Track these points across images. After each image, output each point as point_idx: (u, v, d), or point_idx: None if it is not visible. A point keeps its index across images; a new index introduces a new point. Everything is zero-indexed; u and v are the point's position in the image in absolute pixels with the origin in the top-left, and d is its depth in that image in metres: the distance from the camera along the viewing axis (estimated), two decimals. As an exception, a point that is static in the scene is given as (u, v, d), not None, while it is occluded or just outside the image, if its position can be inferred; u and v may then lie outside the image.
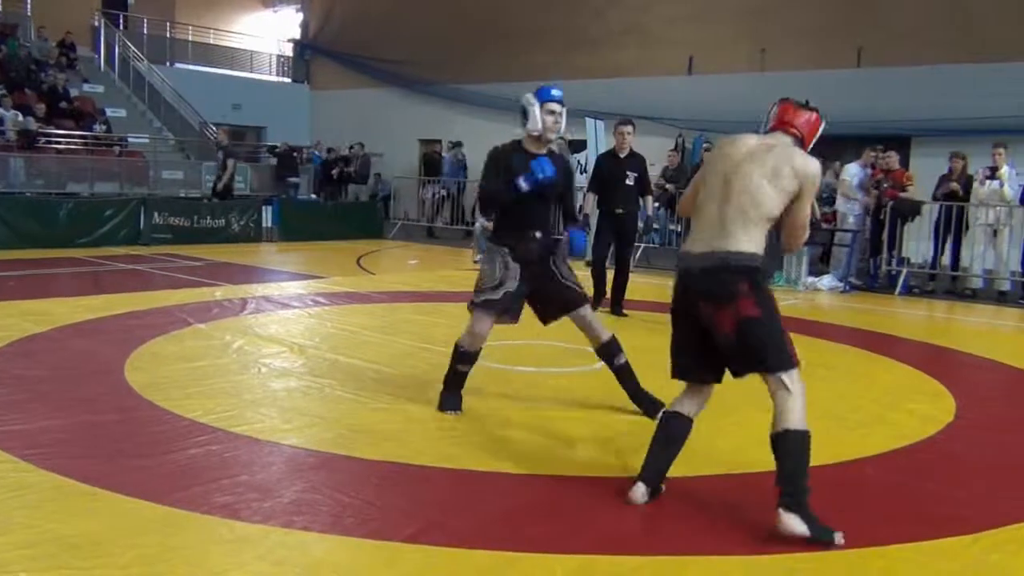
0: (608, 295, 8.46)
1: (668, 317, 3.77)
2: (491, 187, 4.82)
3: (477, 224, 13.24)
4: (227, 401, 4.90)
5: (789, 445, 3.38)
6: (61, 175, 15.55)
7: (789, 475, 3.33)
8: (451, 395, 4.94)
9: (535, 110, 4.72)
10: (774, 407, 3.45)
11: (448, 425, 4.65)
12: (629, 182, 8.28)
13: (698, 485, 3.91)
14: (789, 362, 3.44)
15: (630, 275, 8.72)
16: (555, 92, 4.76)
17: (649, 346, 5.21)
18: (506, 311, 4.82)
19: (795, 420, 3.39)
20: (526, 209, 4.79)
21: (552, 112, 4.72)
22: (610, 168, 8.40)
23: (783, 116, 3.70)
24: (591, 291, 8.01)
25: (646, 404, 4.90)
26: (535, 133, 4.77)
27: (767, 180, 3.47)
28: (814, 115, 3.72)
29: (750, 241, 3.46)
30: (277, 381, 5.48)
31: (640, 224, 8.74)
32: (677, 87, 17.83)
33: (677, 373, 3.75)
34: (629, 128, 8.46)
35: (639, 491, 3.60)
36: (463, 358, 4.87)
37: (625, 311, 8.38)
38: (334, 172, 18.86)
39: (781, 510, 3.28)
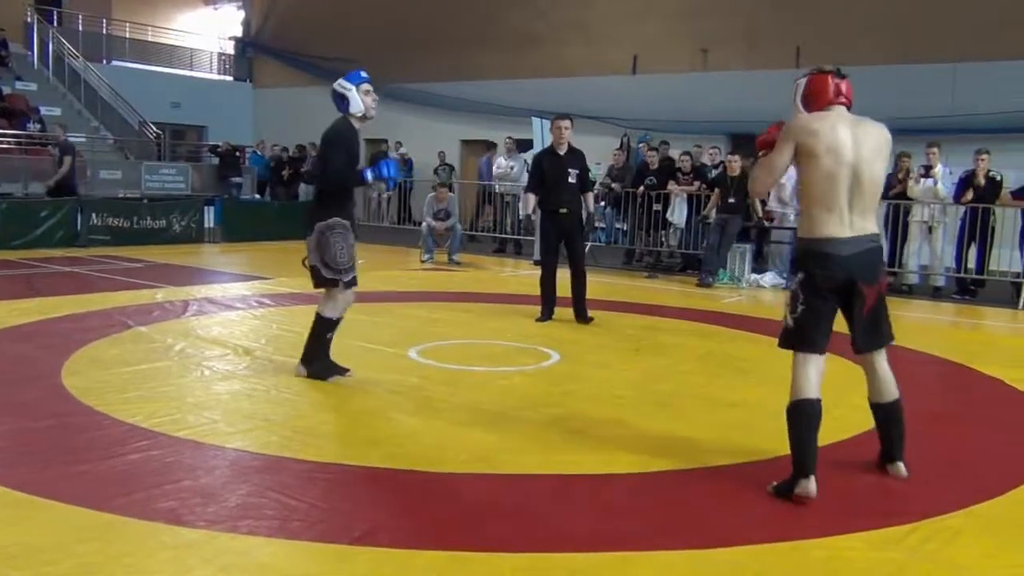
0: (556, 302, 8.04)
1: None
2: (341, 168, 5.32)
3: (424, 224, 13.22)
4: (169, 405, 4.81)
5: (901, 412, 4.07)
6: (-2, 175, 15.13)
7: (903, 435, 4.09)
8: (329, 362, 5.48)
9: (353, 94, 5.29)
10: (880, 379, 4.06)
11: (395, 425, 4.63)
12: (571, 179, 7.86)
13: (647, 481, 3.95)
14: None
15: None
16: (364, 74, 5.40)
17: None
18: None
19: (897, 388, 4.07)
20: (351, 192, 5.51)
21: (368, 92, 5.34)
22: (550, 165, 7.92)
23: (841, 89, 3.93)
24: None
25: None
26: (359, 114, 5.32)
27: (882, 164, 3.89)
28: (846, 80, 3.99)
29: (876, 223, 3.96)
30: (221, 384, 5.40)
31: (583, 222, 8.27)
32: (622, 86, 17.98)
33: (821, 349, 3.93)
34: (567, 123, 7.99)
35: (814, 486, 3.72)
36: (331, 326, 5.47)
37: (590, 314, 7.96)
38: (284, 173, 18.55)
39: (902, 464, 4.06)
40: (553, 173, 7.89)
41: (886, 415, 4.11)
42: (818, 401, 3.86)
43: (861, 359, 4.07)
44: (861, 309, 3.84)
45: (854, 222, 3.79)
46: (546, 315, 7.99)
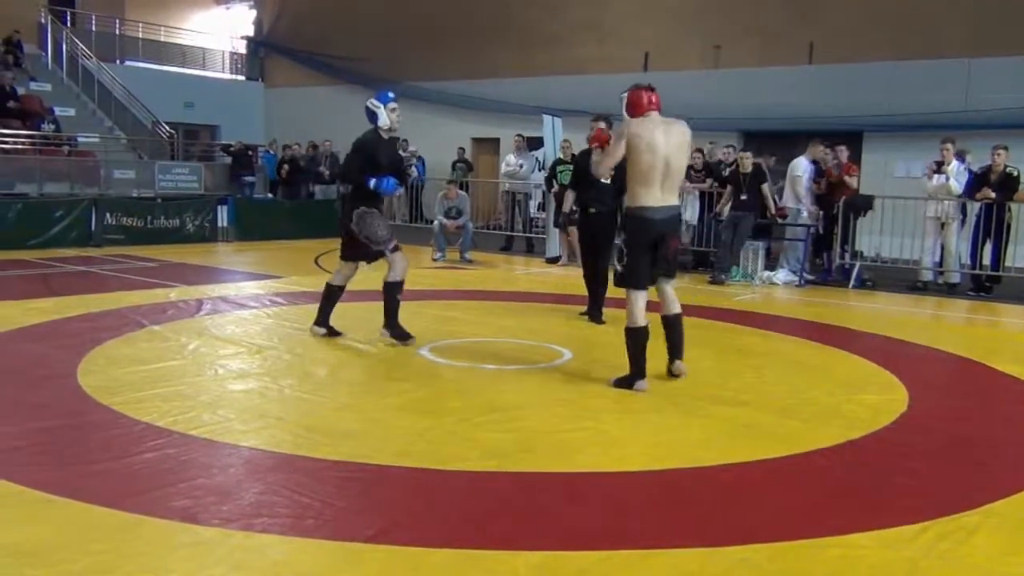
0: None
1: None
2: (354, 173, 6.47)
3: (436, 222, 13.22)
4: (183, 403, 4.84)
5: (680, 322, 5.65)
6: (9, 176, 15.17)
7: (681, 340, 5.67)
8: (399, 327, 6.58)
9: (382, 111, 6.41)
10: (669, 297, 5.65)
11: (408, 424, 4.64)
12: (604, 180, 7.58)
13: (659, 479, 3.95)
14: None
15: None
16: (391, 95, 6.50)
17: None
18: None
19: (678, 305, 5.68)
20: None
21: (394, 110, 6.45)
22: (586, 166, 7.86)
23: (652, 100, 5.47)
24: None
25: None
26: (385, 127, 6.44)
27: (684, 155, 5.49)
28: (655, 92, 5.54)
29: (676, 196, 5.61)
30: (234, 382, 5.43)
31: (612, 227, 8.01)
32: (633, 83, 17.92)
33: (645, 284, 5.46)
34: (601, 124, 7.86)
35: (646, 383, 5.35)
36: (398, 288, 6.59)
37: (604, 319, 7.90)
38: (282, 171, 18.52)
39: (680, 362, 5.65)
40: (585, 173, 7.89)
41: (670, 323, 5.67)
42: (647, 327, 5.38)
43: (657, 286, 5.61)
44: (665, 252, 5.45)
45: (664, 197, 5.40)
46: (593, 315, 8.00)
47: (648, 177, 5.31)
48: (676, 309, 5.66)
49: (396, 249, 6.57)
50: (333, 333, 6.78)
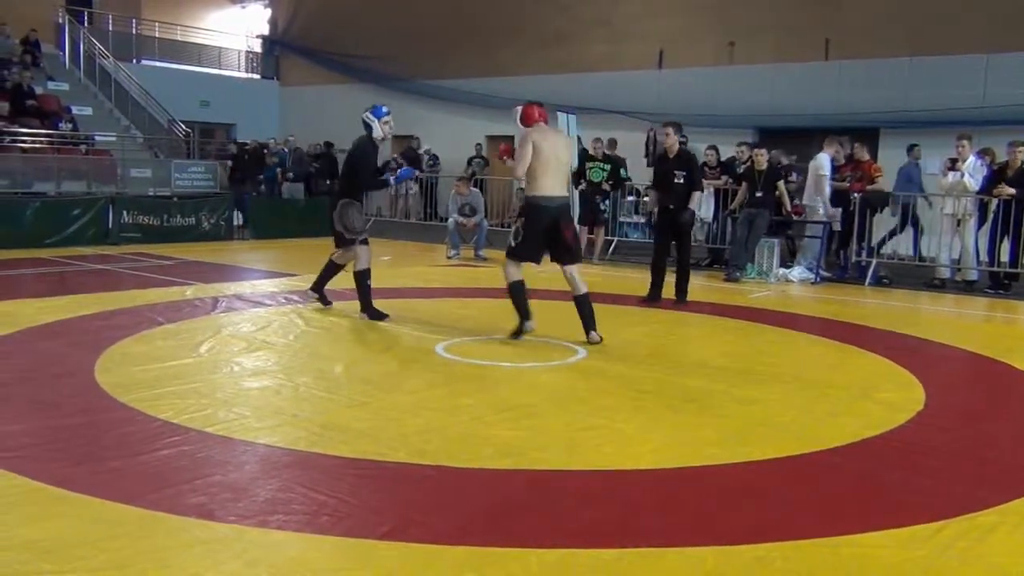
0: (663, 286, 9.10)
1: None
2: (368, 175, 7.59)
3: (451, 220, 13.24)
4: (199, 401, 4.86)
5: (588, 301, 6.78)
6: (27, 174, 15.29)
7: (591, 315, 6.77)
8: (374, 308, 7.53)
9: (376, 124, 7.46)
10: (576, 280, 6.70)
11: (423, 422, 4.65)
12: (678, 180, 8.95)
13: (674, 477, 3.94)
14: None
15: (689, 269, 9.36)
16: (385, 109, 7.59)
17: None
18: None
19: (584, 286, 6.80)
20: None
21: (387, 123, 7.52)
22: (660, 167, 9.37)
23: (543, 113, 6.84)
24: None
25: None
26: (378, 139, 7.52)
27: (568, 155, 6.91)
28: (543, 107, 6.95)
29: (565, 189, 6.79)
30: (250, 380, 5.45)
31: (688, 218, 9.14)
32: (648, 81, 17.90)
33: (530, 259, 6.74)
34: (668, 129, 9.21)
35: (533, 323, 6.77)
36: (367, 275, 7.57)
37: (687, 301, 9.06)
38: (278, 170, 18.54)
39: (594, 332, 6.72)
40: (661, 174, 9.24)
41: (579, 302, 6.76)
42: (520, 281, 6.73)
43: (562, 269, 6.74)
44: (562, 238, 6.63)
45: (555, 188, 6.60)
46: (653, 297, 9.05)
47: (544, 173, 6.55)
48: (583, 290, 6.75)
49: (364, 242, 7.55)
50: (378, 316, 7.47)
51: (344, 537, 3.17)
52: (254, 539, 3.13)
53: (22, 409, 4.64)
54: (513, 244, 6.70)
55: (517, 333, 6.73)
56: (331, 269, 7.90)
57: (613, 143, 14.55)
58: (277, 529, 3.22)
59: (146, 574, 2.85)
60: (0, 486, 3.54)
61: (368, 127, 7.46)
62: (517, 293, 6.73)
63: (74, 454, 3.98)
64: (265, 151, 18.80)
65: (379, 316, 7.46)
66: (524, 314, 6.74)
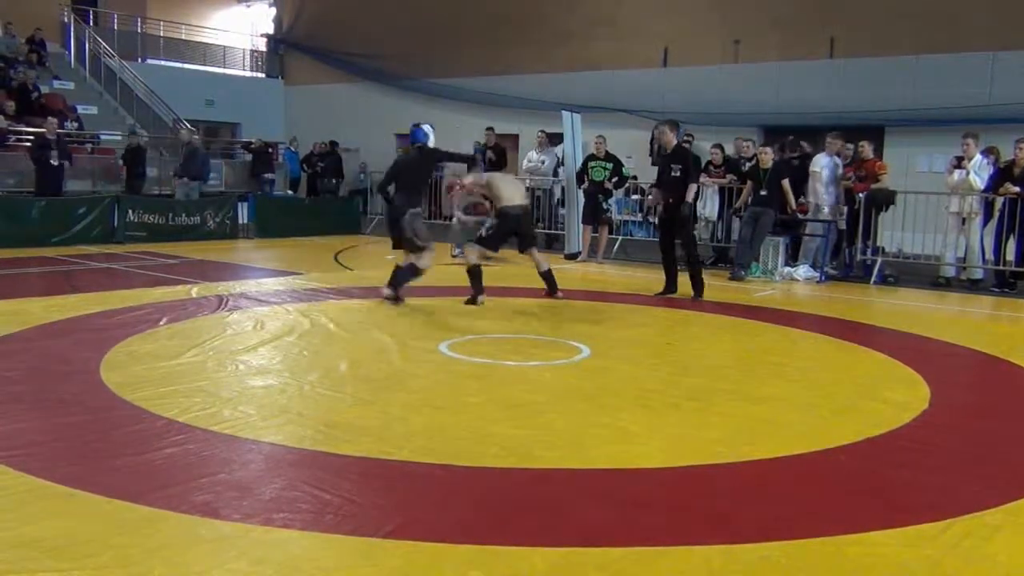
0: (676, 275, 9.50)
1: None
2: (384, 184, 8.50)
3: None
4: (204, 399, 4.87)
5: (551, 274, 8.93)
6: (32, 173, 15.34)
7: (553, 281, 9.02)
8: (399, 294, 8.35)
9: (432, 135, 8.38)
10: (539, 259, 8.89)
11: (428, 420, 4.66)
12: (674, 174, 9.32)
13: (678, 476, 3.94)
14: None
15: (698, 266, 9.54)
16: (426, 125, 8.54)
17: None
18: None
19: (546, 264, 9.04)
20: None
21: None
22: (660, 163, 9.95)
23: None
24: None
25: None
26: (431, 147, 8.44)
27: (515, 180, 9.29)
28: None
29: (524, 198, 9.09)
30: (255, 378, 5.46)
31: (685, 211, 9.43)
32: (653, 79, 17.88)
33: (496, 248, 8.68)
34: (665, 127, 9.63)
35: (483, 296, 8.34)
36: (420, 273, 8.43)
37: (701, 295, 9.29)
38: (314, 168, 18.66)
39: (559, 292, 8.95)
40: (660, 171, 9.68)
41: (544, 275, 8.88)
42: (478, 264, 8.35)
43: (528, 252, 8.90)
44: (525, 233, 8.83)
45: (515, 199, 8.65)
46: (669, 289, 9.45)
47: (505, 189, 8.70)
48: (545, 267, 8.97)
49: (432, 250, 8.42)
50: (396, 299, 8.24)
51: (349, 535, 3.18)
52: (259, 537, 3.14)
53: (28, 407, 4.65)
54: (483, 236, 8.70)
55: (472, 302, 8.24)
56: (414, 273, 8.40)
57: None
58: (282, 527, 3.22)
59: (152, 572, 2.86)
60: (6, 484, 3.55)
61: (426, 136, 8.36)
62: (476, 274, 8.37)
63: (80, 452, 3.99)
64: (271, 150, 18.86)
65: (398, 300, 8.16)
66: (479, 290, 8.33)
